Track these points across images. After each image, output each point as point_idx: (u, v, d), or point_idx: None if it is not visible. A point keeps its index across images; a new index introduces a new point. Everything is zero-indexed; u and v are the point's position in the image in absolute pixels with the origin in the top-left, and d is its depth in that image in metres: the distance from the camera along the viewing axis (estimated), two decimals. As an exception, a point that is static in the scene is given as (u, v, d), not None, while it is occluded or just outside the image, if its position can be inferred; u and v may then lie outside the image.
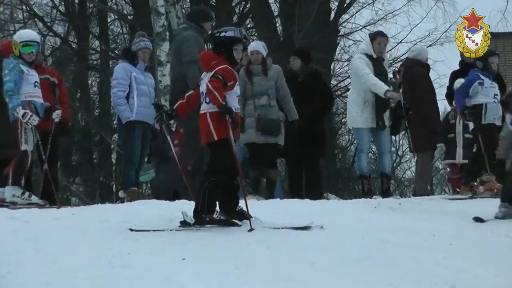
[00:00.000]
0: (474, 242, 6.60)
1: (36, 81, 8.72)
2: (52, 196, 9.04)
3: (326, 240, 6.46)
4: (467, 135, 10.26)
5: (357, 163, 10.57)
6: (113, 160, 24.18)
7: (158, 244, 6.12)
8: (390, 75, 10.81)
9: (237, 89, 7.02)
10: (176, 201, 8.89)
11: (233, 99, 6.94)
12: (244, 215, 6.84)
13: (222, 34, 7.09)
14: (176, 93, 9.39)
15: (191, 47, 9.47)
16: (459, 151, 10.24)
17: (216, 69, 6.89)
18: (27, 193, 8.49)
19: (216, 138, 6.85)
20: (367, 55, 10.27)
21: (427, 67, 11.35)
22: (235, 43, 7.04)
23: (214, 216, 6.87)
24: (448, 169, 10.63)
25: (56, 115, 8.89)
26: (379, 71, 10.25)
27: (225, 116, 6.78)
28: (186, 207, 6.96)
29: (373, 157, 21.70)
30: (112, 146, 23.18)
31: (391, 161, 12.40)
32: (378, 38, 10.44)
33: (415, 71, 10.99)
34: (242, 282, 5.27)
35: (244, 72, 10.13)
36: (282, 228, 6.78)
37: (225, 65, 6.92)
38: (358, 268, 5.69)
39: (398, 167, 26.82)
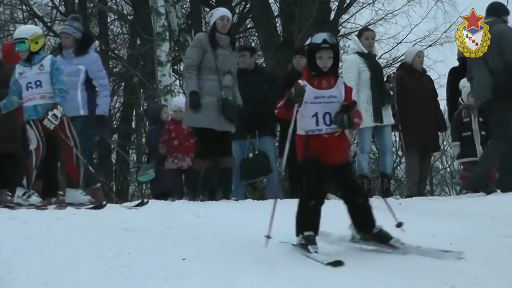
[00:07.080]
0: (474, 242, 6.59)
1: (29, 82, 8.39)
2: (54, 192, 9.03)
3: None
4: (483, 133, 10.29)
5: (358, 163, 10.58)
6: (113, 160, 24.17)
7: (158, 244, 6.12)
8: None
9: None
10: (176, 201, 8.89)
11: None
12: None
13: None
14: (502, 80, 9.35)
15: None
16: (479, 148, 10.25)
17: None
18: (26, 194, 8.42)
19: None
20: (359, 53, 10.32)
21: (407, 68, 11.23)
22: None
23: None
24: (462, 167, 10.59)
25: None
26: (373, 66, 10.33)
27: None
28: (186, 207, 6.95)
29: (373, 157, 21.70)
30: (112, 146, 23.15)
31: (392, 161, 12.45)
32: (364, 33, 10.58)
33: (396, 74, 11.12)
34: (242, 282, 5.27)
35: (208, 39, 9.32)
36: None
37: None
38: (358, 268, 5.69)
39: (398, 167, 26.80)
